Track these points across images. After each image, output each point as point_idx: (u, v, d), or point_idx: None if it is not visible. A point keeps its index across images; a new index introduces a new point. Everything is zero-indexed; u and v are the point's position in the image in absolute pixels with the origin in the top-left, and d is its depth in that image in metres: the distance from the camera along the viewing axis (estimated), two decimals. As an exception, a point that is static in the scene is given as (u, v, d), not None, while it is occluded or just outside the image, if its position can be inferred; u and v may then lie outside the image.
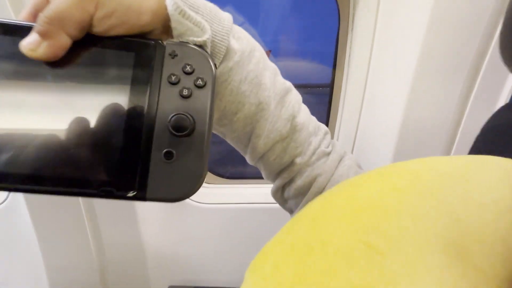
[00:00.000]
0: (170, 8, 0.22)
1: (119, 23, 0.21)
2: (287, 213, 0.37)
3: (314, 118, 0.33)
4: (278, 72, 0.30)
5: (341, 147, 0.34)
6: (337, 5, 0.61)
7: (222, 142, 0.32)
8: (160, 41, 0.23)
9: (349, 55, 0.62)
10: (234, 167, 0.81)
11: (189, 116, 0.22)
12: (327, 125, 0.68)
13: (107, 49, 0.22)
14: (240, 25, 0.28)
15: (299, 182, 0.32)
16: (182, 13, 0.22)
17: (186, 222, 0.70)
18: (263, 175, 0.34)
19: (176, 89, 0.22)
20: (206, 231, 0.71)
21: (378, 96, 0.56)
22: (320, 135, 0.32)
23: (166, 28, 0.23)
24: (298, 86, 0.32)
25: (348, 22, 0.61)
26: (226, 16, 0.26)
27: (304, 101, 0.33)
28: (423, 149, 0.51)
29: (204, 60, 0.23)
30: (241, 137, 0.29)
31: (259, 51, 0.28)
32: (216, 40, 0.24)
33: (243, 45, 0.26)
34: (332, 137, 0.36)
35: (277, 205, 0.36)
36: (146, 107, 0.21)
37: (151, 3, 0.22)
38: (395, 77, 0.51)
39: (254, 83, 0.27)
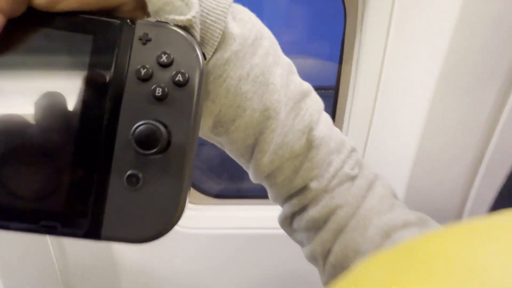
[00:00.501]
0: None
1: None
2: (293, 242, 0.30)
3: (337, 131, 0.26)
4: (294, 69, 0.24)
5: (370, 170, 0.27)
6: (343, 2, 0.55)
7: (207, 143, 0.25)
8: (128, 21, 0.17)
9: (357, 59, 0.56)
10: (225, 183, 0.71)
11: (161, 125, 0.17)
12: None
13: (56, 30, 0.17)
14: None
15: (313, 212, 0.25)
16: None
17: (166, 249, 0.61)
18: (269, 197, 0.28)
19: (146, 87, 0.17)
20: (189, 260, 0.62)
21: (394, 101, 0.50)
22: (344, 152, 0.26)
23: (140, 2, 0.17)
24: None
25: (356, 22, 0.55)
26: None
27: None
28: (447, 168, 0.44)
29: (188, 48, 0.17)
30: (241, 150, 0.23)
31: (269, 40, 0.22)
32: (208, 21, 0.18)
33: (246, 30, 0.20)
34: None
35: (281, 231, 0.29)
36: (104, 112, 0.17)
37: None
38: (414, 85, 0.44)
39: (259, 82, 0.21)
